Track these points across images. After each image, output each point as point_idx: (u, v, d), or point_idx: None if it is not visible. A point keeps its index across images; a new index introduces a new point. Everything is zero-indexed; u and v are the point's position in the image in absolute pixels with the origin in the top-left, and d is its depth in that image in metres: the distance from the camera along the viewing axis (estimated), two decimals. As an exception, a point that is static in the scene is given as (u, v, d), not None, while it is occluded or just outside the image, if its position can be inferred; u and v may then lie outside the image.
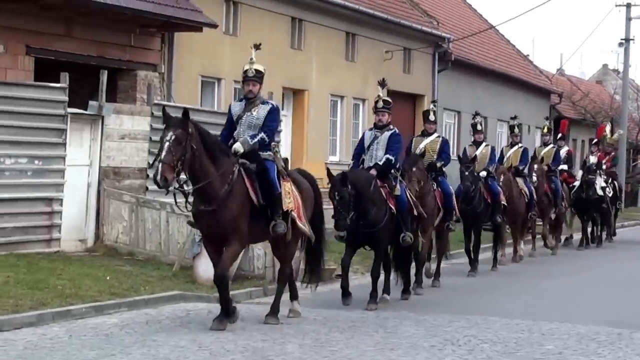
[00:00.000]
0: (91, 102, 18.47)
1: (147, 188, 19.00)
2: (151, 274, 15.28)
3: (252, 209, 12.41)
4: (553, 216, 25.06)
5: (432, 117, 18.26)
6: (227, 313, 12.17)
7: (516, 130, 23.51)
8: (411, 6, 34.77)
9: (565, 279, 19.90)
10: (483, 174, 20.01)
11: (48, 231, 17.42)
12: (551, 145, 25.35)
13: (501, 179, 20.92)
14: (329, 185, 14.52)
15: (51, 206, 17.46)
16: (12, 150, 16.88)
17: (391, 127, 15.50)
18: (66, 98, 17.76)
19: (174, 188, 12.10)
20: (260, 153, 12.75)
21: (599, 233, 28.36)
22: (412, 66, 33.78)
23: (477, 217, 19.74)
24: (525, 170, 22.91)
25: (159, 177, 11.62)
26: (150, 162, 15.67)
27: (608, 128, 31.35)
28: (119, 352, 10.57)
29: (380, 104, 15.54)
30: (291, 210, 12.84)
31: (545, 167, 24.30)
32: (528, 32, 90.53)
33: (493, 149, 21.16)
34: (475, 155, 19.95)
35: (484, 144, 20.90)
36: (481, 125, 21.19)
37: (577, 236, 28.03)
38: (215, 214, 12.12)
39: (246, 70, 12.92)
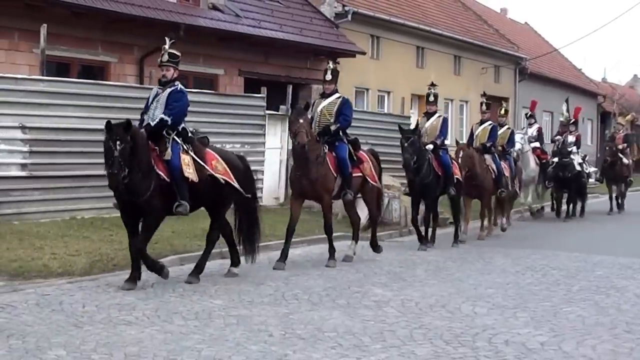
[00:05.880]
0: (281, 107, 18.62)
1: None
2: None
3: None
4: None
5: (328, 77, 11.54)
6: None
7: (484, 107, 15.97)
8: (499, 36, 34.26)
9: (613, 225, 19.16)
10: (430, 146, 13.45)
11: (254, 192, 17.60)
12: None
13: (460, 155, 14.45)
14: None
15: (256, 175, 17.49)
16: (230, 138, 17.07)
17: (176, 83, 9.33)
18: (265, 104, 17.89)
19: None
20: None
21: (574, 205, 20.37)
22: (500, 78, 33.18)
23: (425, 188, 13.29)
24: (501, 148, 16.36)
25: None
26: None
27: (630, 117, 29.33)
28: (302, 273, 10.63)
29: (165, 57, 9.30)
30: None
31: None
32: (581, 51, 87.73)
33: (445, 121, 14.03)
34: (417, 125, 13.72)
35: (436, 115, 13.99)
36: (434, 96, 14.09)
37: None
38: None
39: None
